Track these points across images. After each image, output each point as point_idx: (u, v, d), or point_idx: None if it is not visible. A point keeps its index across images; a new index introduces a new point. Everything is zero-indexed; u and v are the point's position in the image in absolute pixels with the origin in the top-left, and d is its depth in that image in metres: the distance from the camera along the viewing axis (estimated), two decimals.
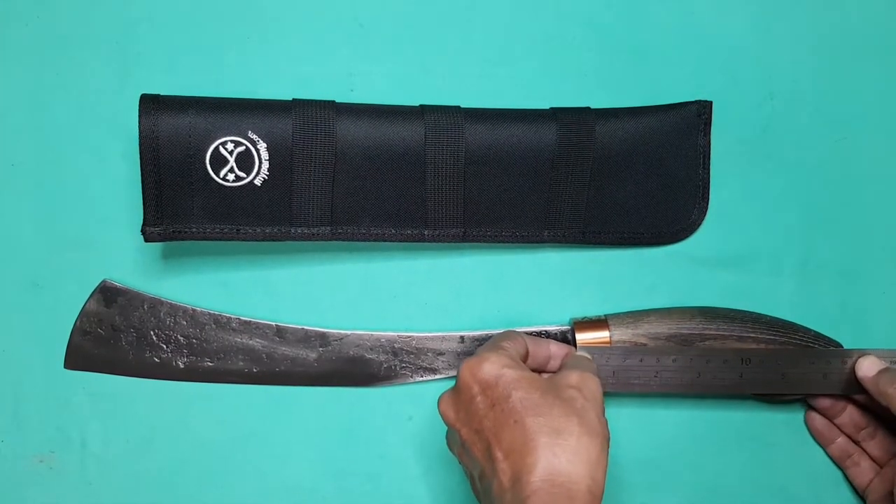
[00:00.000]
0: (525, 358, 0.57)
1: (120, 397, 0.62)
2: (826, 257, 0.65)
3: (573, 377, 0.52)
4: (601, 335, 0.61)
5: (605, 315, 0.62)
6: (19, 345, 0.60)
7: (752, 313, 0.63)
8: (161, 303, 0.61)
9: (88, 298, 0.61)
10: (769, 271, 0.65)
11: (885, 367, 0.58)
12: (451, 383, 0.55)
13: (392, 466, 0.63)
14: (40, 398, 0.59)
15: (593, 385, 0.52)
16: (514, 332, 0.59)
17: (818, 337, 0.62)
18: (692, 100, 0.64)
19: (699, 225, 0.65)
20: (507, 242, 0.63)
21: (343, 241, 0.61)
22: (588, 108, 0.62)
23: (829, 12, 0.66)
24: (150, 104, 0.57)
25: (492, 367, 0.52)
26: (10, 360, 0.61)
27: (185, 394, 0.62)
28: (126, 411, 0.61)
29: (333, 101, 0.60)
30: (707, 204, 0.64)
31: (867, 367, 0.58)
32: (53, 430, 0.61)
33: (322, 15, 0.63)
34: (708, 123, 0.64)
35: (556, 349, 0.59)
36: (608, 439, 0.51)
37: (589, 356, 0.58)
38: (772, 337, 0.61)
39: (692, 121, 0.63)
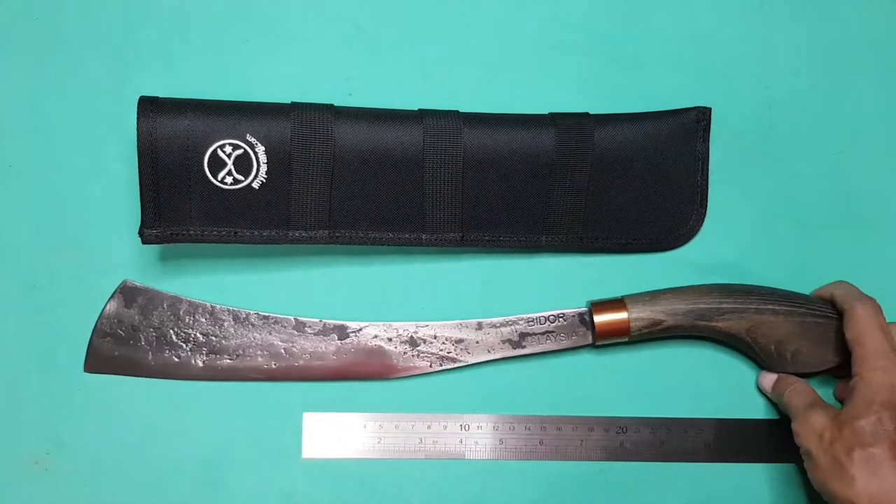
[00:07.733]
0: None
1: (115, 398, 0.61)
2: (822, 264, 0.65)
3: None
4: (619, 316, 0.61)
5: (622, 296, 0.62)
6: (16, 346, 0.60)
7: (767, 287, 0.62)
8: (180, 301, 0.61)
9: (109, 299, 0.61)
10: (766, 278, 0.65)
11: (776, 377, 0.62)
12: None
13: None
14: (36, 399, 0.59)
15: None
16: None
17: (830, 309, 0.61)
18: (691, 106, 0.64)
19: (697, 231, 0.65)
20: (505, 247, 0.63)
21: (341, 244, 0.61)
22: (587, 114, 0.62)
23: (828, 23, 0.66)
24: (149, 106, 0.57)
25: None
26: (7, 361, 0.61)
27: (180, 394, 0.62)
28: (122, 412, 0.61)
29: (332, 105, 0.60)
30: (705, 210, 0.64)
31: (766, 383, 0.63)
32: (49, 432, 0.61)
33: (321, 18, 0.63)
34: (707, 130, 0.64)
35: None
36: None
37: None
38: (788, 308, 0.61)
39: (691, 127, 0.63)
